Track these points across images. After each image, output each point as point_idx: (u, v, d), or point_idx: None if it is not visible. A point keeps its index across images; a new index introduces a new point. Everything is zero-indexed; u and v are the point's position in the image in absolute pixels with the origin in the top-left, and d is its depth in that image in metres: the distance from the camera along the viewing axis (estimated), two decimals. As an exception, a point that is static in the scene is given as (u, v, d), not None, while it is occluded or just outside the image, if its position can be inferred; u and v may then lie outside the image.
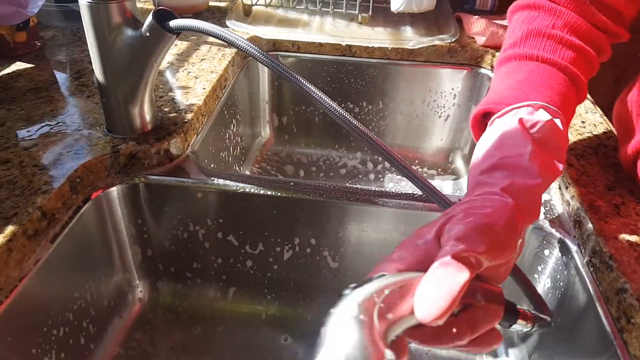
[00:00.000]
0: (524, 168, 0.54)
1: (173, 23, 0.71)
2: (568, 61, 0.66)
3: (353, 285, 0.46)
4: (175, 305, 0.91)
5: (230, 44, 0.68)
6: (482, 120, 0.68)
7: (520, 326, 0.55)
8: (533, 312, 0.57)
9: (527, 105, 0.60)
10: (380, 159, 1.34)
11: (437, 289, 0.43)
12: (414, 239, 0.51)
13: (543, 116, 0.59)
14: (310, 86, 0.66)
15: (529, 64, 0.67)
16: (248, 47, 0.66)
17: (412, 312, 0.44)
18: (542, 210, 0.77)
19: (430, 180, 1.26)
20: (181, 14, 0.72)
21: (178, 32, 0.73)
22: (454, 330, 0.48)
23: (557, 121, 0.60)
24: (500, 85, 0.66)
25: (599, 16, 0.69)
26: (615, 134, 0.88)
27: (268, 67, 0.66)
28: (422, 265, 0.47)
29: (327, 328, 0.43)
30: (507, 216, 0.49)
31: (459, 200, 0.57)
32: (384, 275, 0.47)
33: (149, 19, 0.71)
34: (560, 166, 0.59)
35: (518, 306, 0.53)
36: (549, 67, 0.65)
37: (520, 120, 0.59)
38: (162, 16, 0.71)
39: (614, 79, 1.88)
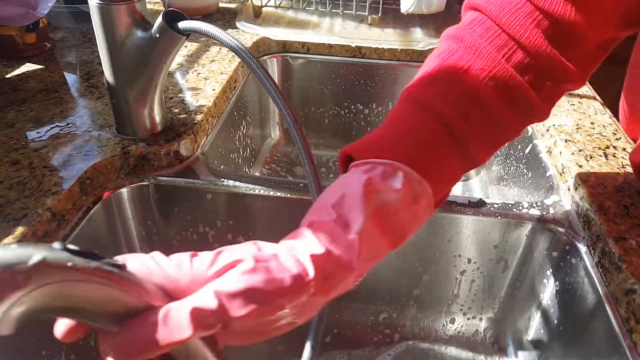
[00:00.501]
0: (347, 243, 0.46)
1: (182, 25, 0.70)
2: (462, 119, 0.53)
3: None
4: (184, 307, 0.91)
5: (233, 51, 0.67)
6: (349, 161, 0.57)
7: None
8: None
9: (385, 165, 0.51)
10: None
11: (150, 334, 0.37)
12: (192, 260, 0.44)
13: (396, 184, 0.50)
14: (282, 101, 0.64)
15: (414, 112, 0.55)
16: (247, 58, 0.66)
17: (95, 306, 0.37)
18: (552, 211, 0.77)
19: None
20: (191, 15, 0.72)
21: (188, 34, 0.73)
22: None
23: (416, 192, 0.51)
24: (379, 128, 0.56)
25: (544, 43, 0.54)
26: (624, 134, 0.88)
27: (260, 81, 0.65)
28: (178, 291, 0.41)
29: None
30: (297, 287, 0.43)
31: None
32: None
33: (159, 20, 0.71)
34: (390, 248, 0.51)
35: None
36: (432, 120, 0.53)
37: (368, 182, 0.49)
38: (172, 17, 0.71)
39: (623, 81, 1.88)
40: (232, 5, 1.43)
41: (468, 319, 0.90)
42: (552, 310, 0.77)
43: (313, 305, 0.45)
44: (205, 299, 0.39)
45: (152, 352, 0.37)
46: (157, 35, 0.72)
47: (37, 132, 0.81)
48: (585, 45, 0.56)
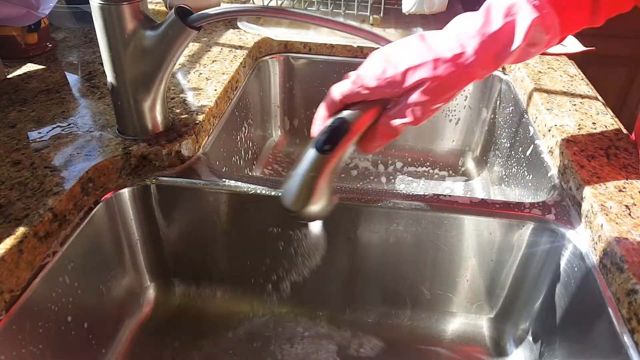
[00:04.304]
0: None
1: (194, 16, 0.72)
2: None
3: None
4: (185, 307, 0.91)
5: (250, 14, 0.70)
6: None
7: None
8: None
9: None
10: (391, 160, 1.34)
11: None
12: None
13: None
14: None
15: None
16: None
17: None
18: (554, 211, 0.77)
19: (441, 182, 1.26)
20: (193, 15, 0.73)
21: (199, 28, 0.74)
22: None
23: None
24: None
25: None
26: (625, 134, 0.87)
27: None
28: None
29: None
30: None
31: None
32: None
33: (171, 16, 0.72)
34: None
35: None
36: None
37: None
38: (183, 13, 0.72)
39: (625, 81, 1.88)
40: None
41: (469, 319, 0.90)
42: (553, 310, 0.77)
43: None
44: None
45: None
46: (170, 32, 0.73)
47: (39, 133, 0.81)
48: None
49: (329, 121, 0.66)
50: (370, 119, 0.66)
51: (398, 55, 0.66)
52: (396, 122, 0.65)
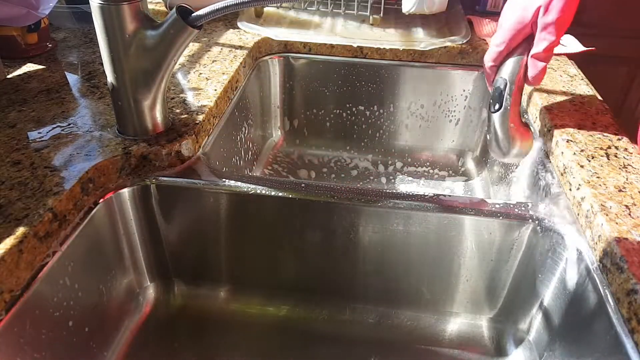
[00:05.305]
0: None
1: (196, 15, 0.72)
2: None
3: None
4: (186, 307, 0.91)
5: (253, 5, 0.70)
6: None
7: None
8: None
9: None
10: (391, 160, 1.34)
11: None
12: (513, 25, 0.80)
13: None
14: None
15: None
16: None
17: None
18: (553, 211, 0.77)
19: (441, 182, 1.26)
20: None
21: (200, 26, 0.74)
22: None
23: None
24: None
25: None
26: (625, 134, 0.87)
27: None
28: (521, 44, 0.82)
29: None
30: None
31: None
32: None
33: (173, 15, 0.72)
34: None
35: None
36: None
37: None
38: (184, 12, 0.73)
39: (625, 81, 1.88)
40: (234, 6, 1.43)
41: (469, 319, 0.90)
42: (553, 310, 0.77)
43: None
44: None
45: None
46: (171, 31, 0.73)
47: (39, 133, 0.81)
48: None
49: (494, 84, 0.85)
50: (523, 63, 0.83)
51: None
52: (540, 46, 0.79)
